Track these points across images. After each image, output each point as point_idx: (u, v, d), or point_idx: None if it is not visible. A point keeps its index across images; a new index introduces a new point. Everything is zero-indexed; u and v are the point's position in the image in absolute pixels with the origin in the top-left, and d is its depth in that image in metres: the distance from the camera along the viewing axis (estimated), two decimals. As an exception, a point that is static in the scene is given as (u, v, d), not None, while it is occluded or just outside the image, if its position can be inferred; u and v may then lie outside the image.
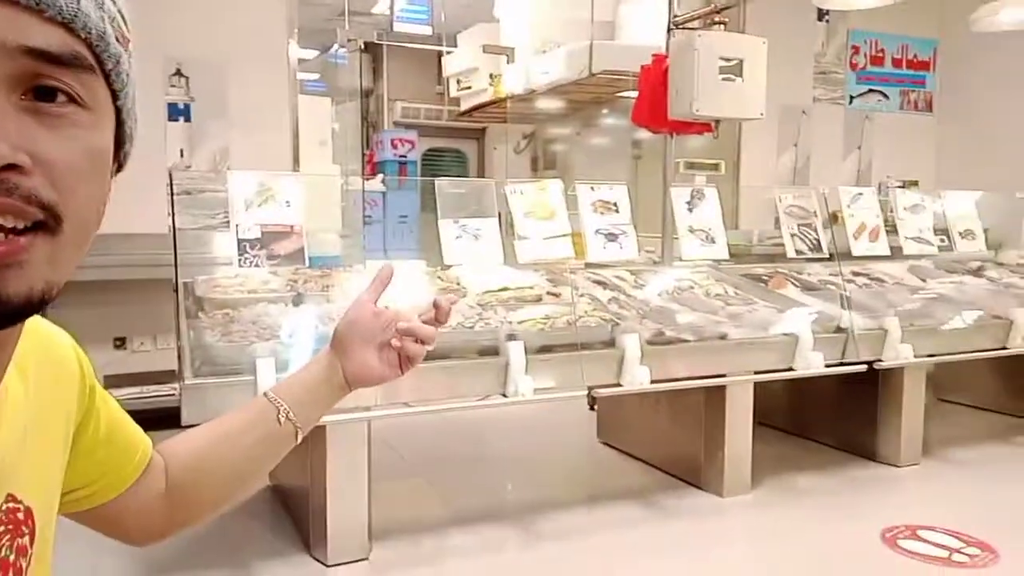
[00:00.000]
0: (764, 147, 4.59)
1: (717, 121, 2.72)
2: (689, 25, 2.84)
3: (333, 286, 2.12)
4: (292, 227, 1.94)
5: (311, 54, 5.93)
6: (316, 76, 6.57)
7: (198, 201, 2.28)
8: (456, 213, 2.14)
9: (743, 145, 4.51)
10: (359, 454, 1.90)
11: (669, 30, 2.89)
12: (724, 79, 2.60)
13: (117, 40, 0.48)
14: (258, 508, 2.25)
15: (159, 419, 2.10)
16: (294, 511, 2.17)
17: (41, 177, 0.42)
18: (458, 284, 2.25)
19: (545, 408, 2.99)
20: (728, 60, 2.62)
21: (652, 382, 2.14)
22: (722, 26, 2.71)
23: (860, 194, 2.86)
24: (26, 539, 0.52)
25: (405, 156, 5.02)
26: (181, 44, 3.27)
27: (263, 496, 2.35)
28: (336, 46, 5.36)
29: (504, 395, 1.99)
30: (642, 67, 2.87)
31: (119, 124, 0.52)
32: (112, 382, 3.27)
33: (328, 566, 1.89)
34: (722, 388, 2.34)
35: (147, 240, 2.49)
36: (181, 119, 3.38)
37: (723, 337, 2.34)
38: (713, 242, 2.57)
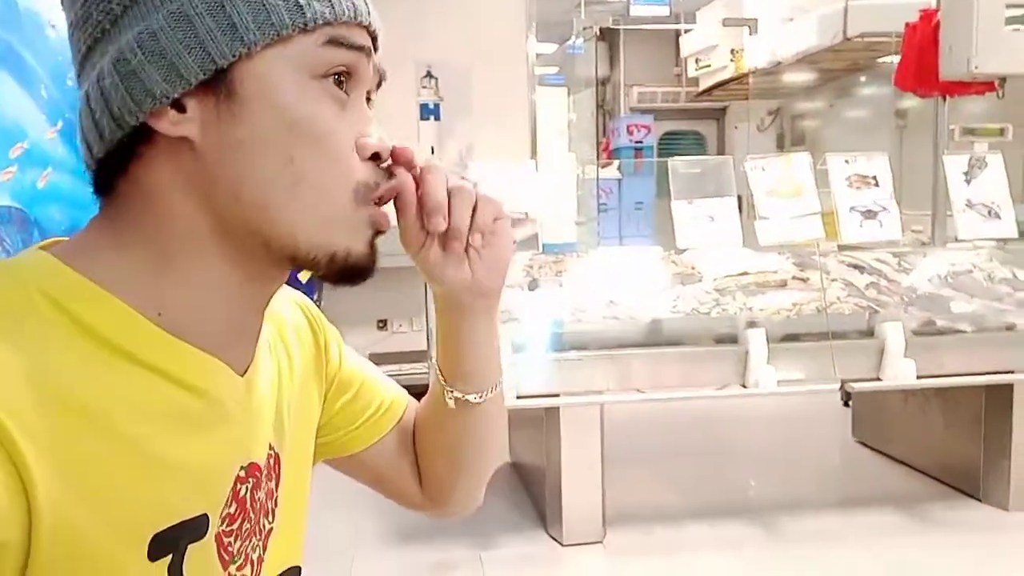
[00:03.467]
0: (1067, 105, 3.88)
1: (1002, 79, 2.34)
2: (967, -29, 2.47)
3: (566, 271, 2.15)
4: (527, 214, 2.00)
5: (549, 48, 6.07)
6: (554, 70, 6.72)
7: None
8: (691, 194, 2.06)
9: (1038, 105, 3.84)
10: (592, 437, 1.91)
11: (941, -21, 2.54)
12: (1013, 29, 2.23)
13: None
14: (498, 483, 2.36)
15: (418, 395, 2.28)
16: (532, 489, 2.24)
17: None
18: (693, 268, 2.17)
19: (791, 401, 2.79)
20: (1019, 5, 2.24)
21: (919, 377, 1.91)
22: (1011, -34, 2.32)
23: None
24: (273, 483, 0.59)
25: (641, 141, 4.96)
26: (431, 48, 3.51)
27: (503, 472, 2.46)
28: (573, 36, 5.43)
29: (743, 386, 1.88)
30: (907, 25, 2.56)
31: None
32: (375, 360, 3.60)
33: (564, 546, 1.93)
34: (1008, 387, 2.02)
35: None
36: (431, 118, 3.63)
37: (1010, 328, 2.01)
38: (998, 218, 2.22)
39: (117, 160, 0.50)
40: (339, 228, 0.51)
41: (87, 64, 0.51)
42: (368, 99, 0.55)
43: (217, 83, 0.48)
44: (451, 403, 0.66)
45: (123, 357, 0.47)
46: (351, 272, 0.53)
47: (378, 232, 0.54)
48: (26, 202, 1.29)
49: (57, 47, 1.41)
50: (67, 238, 0.53)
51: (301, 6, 0.49)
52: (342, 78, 0.51)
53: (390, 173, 0.54)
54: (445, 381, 0.66)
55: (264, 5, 0.48)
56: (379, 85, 0.56)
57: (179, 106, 0.48)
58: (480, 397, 0.66)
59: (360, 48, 0.52)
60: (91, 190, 0.53)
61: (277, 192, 0.50)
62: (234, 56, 0.48)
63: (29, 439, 0.41)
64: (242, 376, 0.54)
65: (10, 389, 0.42)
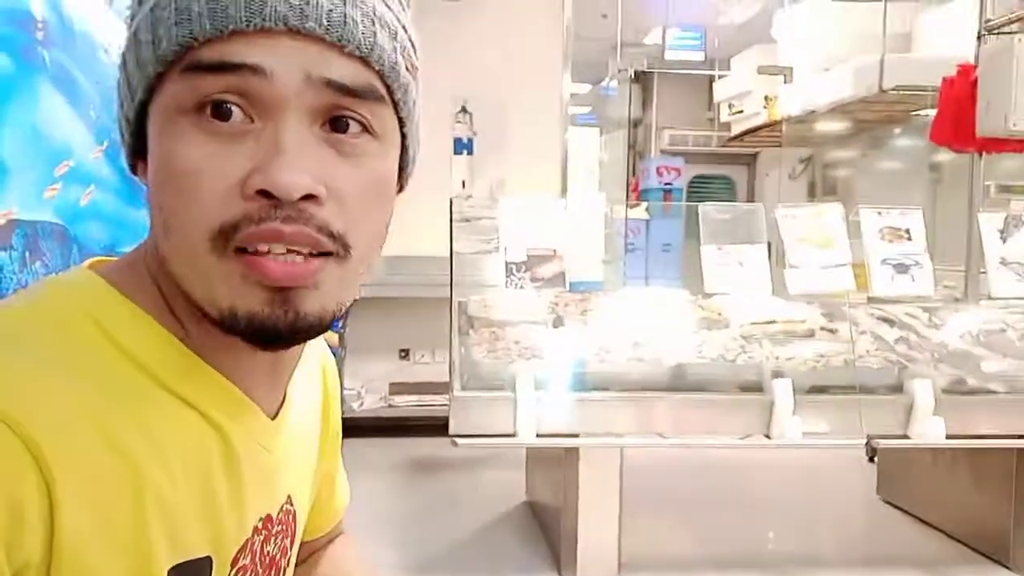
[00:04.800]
0: (1107, 167, 3.82)
1: (1041, 137, 2.32)
2: (1007, 30, 2.47)
3: (591, 310, 2.15)
4: (554, 251, 2.01)
5: (584, 88, 6.14)
6: (587, 109, 6.79)
7: (475, 227, 2.45)
8: (721, 239, 2.05)
9: (1077, 165, 3.79)
10: (611, 480, 1.88)
11: (979, 36, 2.54)
12: (1052, 87, 2.21)
13: (407, 69, 0.49)
14: (514, 522, 2.33)
15: (437, 427, 2.29)
16: (547, 529, 2.21)
17: (334, 207, 0.45)
18: (720, 314, 2.16)
19: (815, 455, 2.74)
20: (1059, 65, 2.23)
21: (948, 437, 1.86)
22: (1051, 26, 2.32)
23: None
24: (288, 541, 0.57)
25: (670, 183, 4.97)
26: (466, 83, 3.57)
27: (520, 511, 2.43)
28: (607, 78, 5.49)
29: (768, 436, 1.85)
30: (944, 79, 2.56)
31: (403, 149, 0.53)
32: (396, 389, 3.62)
33: (577, 589, 1.90)
34: (1041, 451, 1.97)
35: (432, 262, 2.74)
36: (465, 152, 3.68)
37: (1044, 391, 1.97)
38: (1033, 278, 2.18)
39: None
40: (213, 283, 0.45)
41: None
42: (346, 123, 0.46)
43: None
44: None
45: (162, 387, 0.47)
46: (252, 335, 0.45)
47: (280, 288, 0.44)
48: (68, 219, 1.32)
49: (109, 70, 1.46)
50: (115, 257, 0.53)
51: (157, 38, 0.44)
52: (228, 106, 0.44)
53: (279, 212, 0.44)
54: None
55: (140, 49, 0.46)
56: (365, 96, 0.46)
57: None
58: None
59: (236, 67, 0.43)
60: (128, 209, 0.54)
61: (162, 243, 0.47)
62: (136, 108, 0.47)
63: (65, 476, 0.41)
64: (273, 420, 0.54)
65: (63, 430, 0.41)
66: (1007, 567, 2.06)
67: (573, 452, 1.86)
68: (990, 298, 2.27)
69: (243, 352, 0.48)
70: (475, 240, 2.41)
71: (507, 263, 2.03)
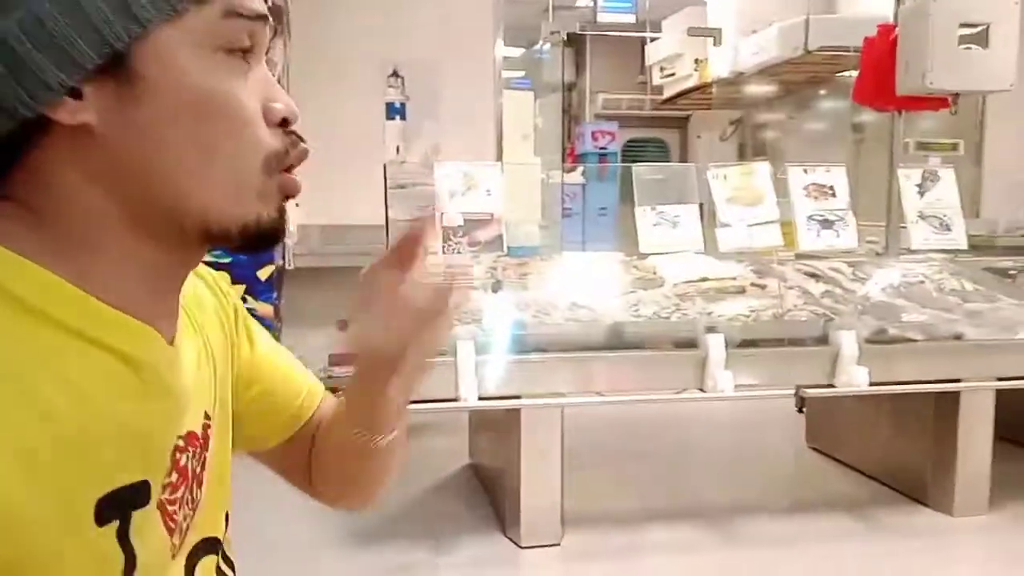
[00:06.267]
0: (1015, 124, 4.01)
1: (955, 95, 2.42)
2: (924, -11, 2.55)
3: (530, 274, 2.16)
4: (492, 215, 2.00)
5: (516, 52, 6.09)
6: (521, 73, 6.74)
7: (411, 194, 2.42)
8: (654, 200, 2.08)
9: (988, 122, 3.98)
10: (552, 440, 1.92)
11: (899, -3, 2.61)
12: (965, 48, 2.30)
13: None
14: (458, 485, 2.35)
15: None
16: (491, 491, 2.24)
17: None
18: (655, 274, 2.20)
19: (747, 406, 2.84)
20: (971, 26, 2.32)
21: (871, 384, 1.95)
22: (964, -13, 2.40)
23: None
24: (207, 452, 0.59)
25: (605, 148, 4.98)
26: (398, 47, 3.49)
27: (463, 474, 2.45)
28: (540, 41, 5.46)
29: (702, 390, 1.91)
30: (865, 40, 2.63)
31: None
32: (336, 360, 3.57)
33: (521, 547, 1.93)
34: (956, 395, 2.08)
35: (368, 230, 2.70)
36: (397, 117, 3.61)
37: (958, 337, 2.07)
38: (948, 230, 2.29)
39: (10, 150, 0.47)
40: (250, 199, 0.52)
41: None
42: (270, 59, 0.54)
43: (114, 66, 0.46)
44: (358, 440, 0.71)
45: (51, 325, 0.46)
46: (262, 239, 0.53)
47: (288, 197, 0.55)
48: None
49: None
50: None
51: None
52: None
53: (295, 136, 0.54)
54: (355, 425, 0.71)
55: None
56: (273, 37, 0.55)
57: (75, 93, 0.46)
58: (386, 439, 0.72)
59: (260, 17, 0.51)
60: None
61: (188, 172, 0.49)
62: (129, 36, 0.45)
63: None
64: (171, 344, 0.54)
65: None
66: (925, 504, 2.18)
67: (515, 414, 1.89)
68: (910, 251, 2.37)
69: (142, 283, 0.51)
70: (411, 206, 2.39)
71: (444, 228, 2.02)
